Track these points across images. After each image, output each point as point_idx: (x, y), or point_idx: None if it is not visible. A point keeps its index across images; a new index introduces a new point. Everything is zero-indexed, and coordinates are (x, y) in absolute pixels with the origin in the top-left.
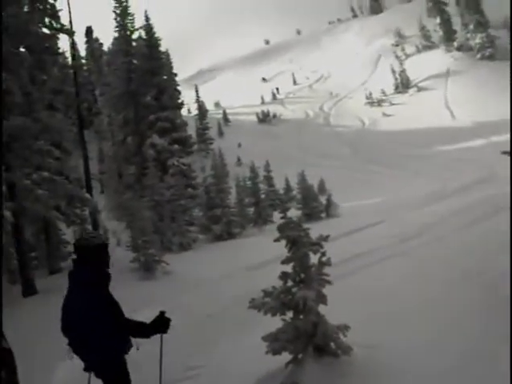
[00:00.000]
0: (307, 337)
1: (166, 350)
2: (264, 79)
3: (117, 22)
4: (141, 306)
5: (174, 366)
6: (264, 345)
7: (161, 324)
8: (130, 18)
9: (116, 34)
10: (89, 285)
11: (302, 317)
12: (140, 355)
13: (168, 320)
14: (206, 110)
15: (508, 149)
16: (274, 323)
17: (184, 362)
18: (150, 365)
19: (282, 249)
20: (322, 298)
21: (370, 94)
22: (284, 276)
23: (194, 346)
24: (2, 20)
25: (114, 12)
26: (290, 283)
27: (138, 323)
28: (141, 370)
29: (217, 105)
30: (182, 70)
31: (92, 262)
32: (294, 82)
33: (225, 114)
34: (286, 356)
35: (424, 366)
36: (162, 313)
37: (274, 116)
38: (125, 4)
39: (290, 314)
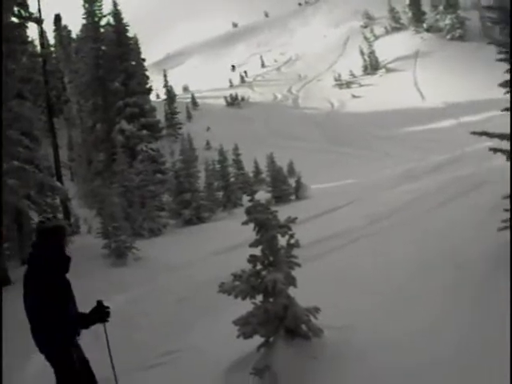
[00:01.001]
0: (278, 319)
1: (141, 336)
2: (233, 67)
3: (85, 8)
4: (113, 292)
5: (148, 352)
6: (237, 328)
7: (100, 313)
8: (98, 4)
9: (84, 21)
10: (34, 272)
11: (271, 300)
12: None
13: (106, 308)
14: (175, 95)
15: (477, 129)
16: (247, 307)
17: (158, 347)
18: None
19: (251, 232)
20: (292, 281)
21: (339, 75)
22: (253, 259)
23: (167, 331)
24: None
25: None
26: (259, 266)
27: (77, 314)
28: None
29: (185, 89)
30: (150, 54)
31: (38, 247)
32: (263, 65)
33: (193, 98)
34: (258, 339)
35: (396, 347)
36: (100, 302)
37: (243, 99)
38: None
39: (260, 297)
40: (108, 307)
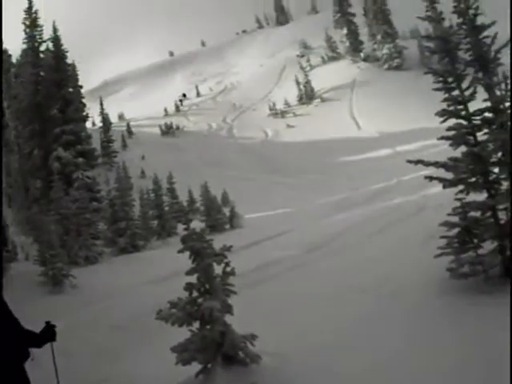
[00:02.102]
0: (215, 346)
1: (76, 363)
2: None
3: (26, 33)
4: (49, 319)
5: (83, 379)
6: (174, 355)
7: (49, 333)
8: (38, 29)
9: (25, 46)
10: None
11: (208, 327)
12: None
13: (53, 327)
14: (110, 123)
15: (412, 158)
16: (185, 334)
17: (92, 374)
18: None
19: (187, 261)
20: (228, 308)
21: (274, 104)
22: (189, 287)
23: (102, 359)
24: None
25: (24, 23)
26: (195, 294)
27: (28, 333)
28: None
29: (121, 117)
30: (87, 81)
31: None
32: (198, 94)
33: (128, 126)
34: (197, 366)
35: (331, 373)
36: (48, 322)
37: (177, 128)
38: (34, 15)
39: (196, 325)
40: (55, 326)
